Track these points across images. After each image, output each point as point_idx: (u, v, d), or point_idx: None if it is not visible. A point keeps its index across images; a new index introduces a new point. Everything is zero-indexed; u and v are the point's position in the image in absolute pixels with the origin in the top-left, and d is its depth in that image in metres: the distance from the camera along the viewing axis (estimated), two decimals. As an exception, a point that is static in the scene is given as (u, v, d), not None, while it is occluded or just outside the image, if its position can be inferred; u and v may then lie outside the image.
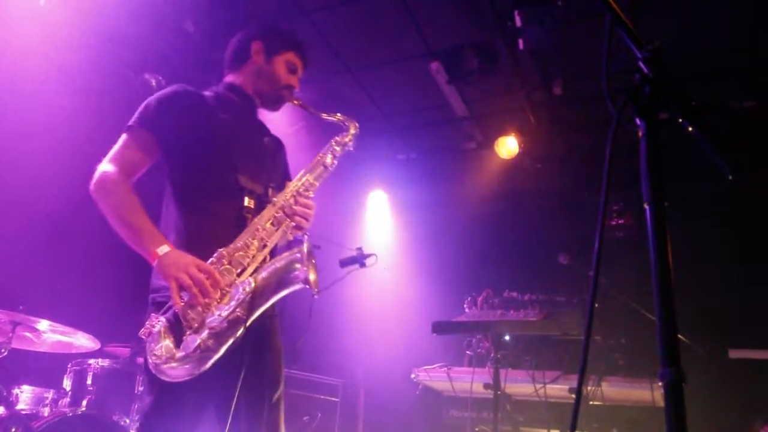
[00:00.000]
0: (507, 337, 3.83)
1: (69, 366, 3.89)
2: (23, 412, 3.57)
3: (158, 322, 1.90)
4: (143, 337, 1.90)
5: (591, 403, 3.75)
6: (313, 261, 1.99)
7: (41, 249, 4.26)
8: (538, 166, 5.79)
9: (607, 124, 1.23)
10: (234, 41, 2.45)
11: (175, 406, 1.92)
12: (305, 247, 1.96)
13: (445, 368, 4.17)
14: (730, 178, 1.18)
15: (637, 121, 1.20)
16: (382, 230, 6.74)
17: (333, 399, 5.12)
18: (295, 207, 2.14)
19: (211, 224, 2.07)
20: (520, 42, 4.30)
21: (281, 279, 1.96)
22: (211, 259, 1.95)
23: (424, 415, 4.72)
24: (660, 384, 1.05)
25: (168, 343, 1.86)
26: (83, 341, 3.86)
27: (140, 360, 4.00)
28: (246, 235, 2.03)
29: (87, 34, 4.15)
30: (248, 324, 1.90)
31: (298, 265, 1.94)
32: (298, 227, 2.15)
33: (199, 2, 4.38)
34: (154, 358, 1.85)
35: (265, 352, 2.12)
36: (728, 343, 4.51)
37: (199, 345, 1.83)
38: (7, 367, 3.48)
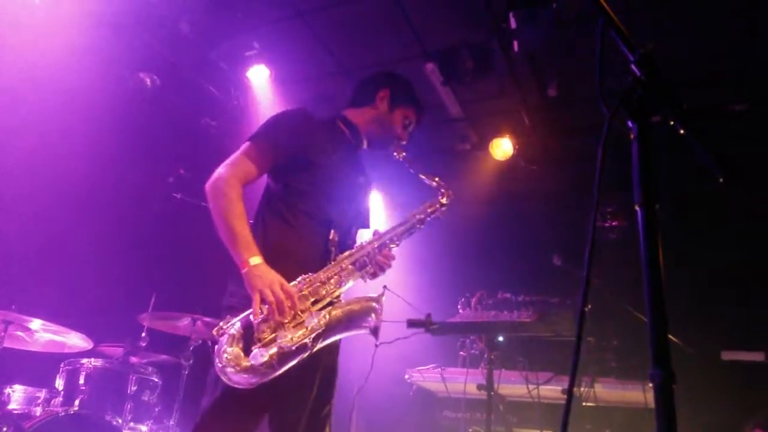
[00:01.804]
0: (500, 338, 3.82)
1: (61, 365, 3.87)
2: (15, 412, 3.56)
3: (233, 327, 1.97)
4: (216, 334, 1.98)
5: (584, 404, 3.76)
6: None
7: (34, 248, 4.25)
8: (532, 167, 5.81)
9: (601, 126, 1.24)
10: (363, 80, 2.60)
11: (235, 409, 2.01)
12: (383, 300, 2.09)
13: (439, 369, 4.17)
14: (721, 180, 1.19)
15: (629, 123, 1.21)
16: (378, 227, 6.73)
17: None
18: (379, 257, 2.27)
19: (296, 247, 2.19)
20: (515, 44, 4.31)
21: (353, 321, 2.07)
22: (294, 282, 2.05)
23: (417, 415, 4.71)
24: (650, 385, 1.06)
25: (237, 349, 1.93)
26: (76, 341, 3.85)
27: (133, 360, 3.99)
28: (330, 269, 2.14)
29: (82, 33, 4.14)
30: (313, 352, 1.98)
31: (373, 315, 2.07)
32: (374, 274, 2.29)
33: (194, 2, 4.37)
34: (222, 359, 1.92)
35: (327, 372, 2.23)
36: (721, 345, 4.52)
37: (266, 361, 1.91)
38: (0, 366, 3.47)
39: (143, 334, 4.00)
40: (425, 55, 4.86)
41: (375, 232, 2.34)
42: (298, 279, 2.06)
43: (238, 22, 4.53)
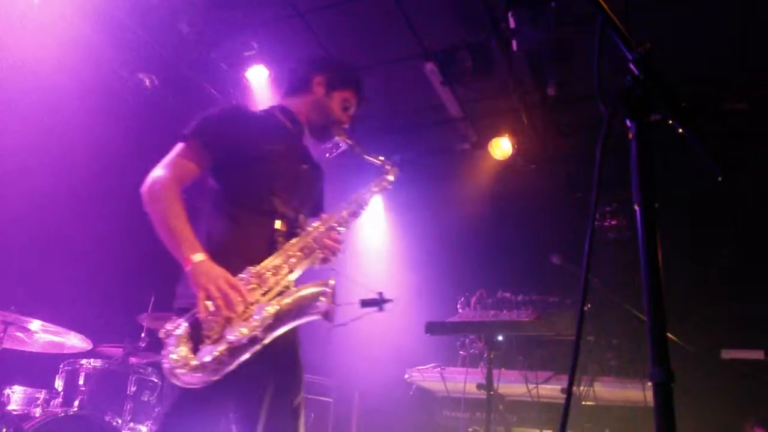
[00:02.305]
0: (500, 338, 3.82)
1: (61, 366, 3.87)
2: (14, 413, 3.56)
3: (179, 327, 1.95)
4: (162, 337, 1.95)
5: (583, 403, 3.76)
6: (335, 297, 2.06)
7: (34, 249, 4.25)
8: (531, 166, 5.81)
9: (600, 125, 1.24)
10: (296, 69, 2.54)
11: (195, 409, 1.98)
12: (332, 283, 2.03)
13: (439, 368, 4.17)
14: (720, 178, 1.19)
15: (628, 122, 1.21)
16: (376, 231, 6.74)
17: (326, 399, 5.12)
18: (326, 240, 2.22)
19: (242, 241, 2.16)
20: (514, 43, 4.31)
21: (303, 307, 2.03)
22: (240, 275, 2.01)
23: (417, 415, 4.71)
24: (649, 384, 1.06)
25: (184, 349, 1.91)
26: (75, 341, 3.85)
27: (133, 360, 3.99)
28: (277, 258, 2.10)
29: (80, 33, 4.13)
30: (264, 344, 1.95)
31: (323, 299, 2.02)
32: (325, 259, 2.24)
33: (194, 2, 4.37)
34: (169, 361, 1.90)
35: (286, 362, 2.18)
36: (721, 344, 4.52)
37: (215, 357, 1.88)
38: (-1, 367, 3.47)
39: (143, 335, 4.00)
40: (425, 54, 4.86)
41: (320, 216, 2.30)
42: (244, 271, 2.02)
43: (237, 22, 4.53)
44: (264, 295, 2.03)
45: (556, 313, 3.65)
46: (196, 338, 1.92)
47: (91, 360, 3.85)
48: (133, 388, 3.84)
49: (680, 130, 1.20)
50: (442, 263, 5.91)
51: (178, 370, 1.88)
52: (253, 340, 1.92)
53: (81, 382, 3.77)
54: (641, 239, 1.13)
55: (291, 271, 2.12)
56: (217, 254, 2.05)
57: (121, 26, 4.32)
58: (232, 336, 1.89)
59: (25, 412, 3.64)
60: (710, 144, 1.20)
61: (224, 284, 1.92)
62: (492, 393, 3.43)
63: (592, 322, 3.88)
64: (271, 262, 2.08)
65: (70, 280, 4.37)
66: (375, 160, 2.50)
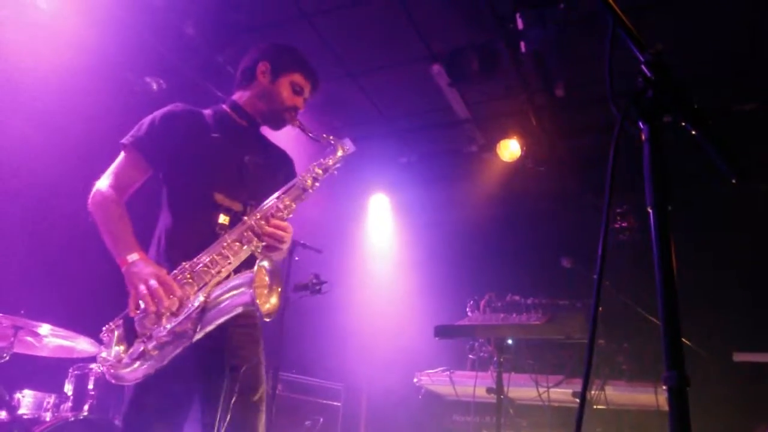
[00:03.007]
0: (510, 341, 3.80)
1: (70, 370, 3.88)
2: (25, 417, 3.57)
3: (117, 327, 2.01)
4: (101, 337, 2.03)
5: (595, 407, 3.73)
6: (274, 284, 2.01)
7: (43, 253, 4.26)
8: (540, 168, 5.78)
9: (610, 126, 1.22)
10: (243, 60, 2.52)
11: (150, 407, 2.01)
12: (257, 269, 1.96)
13: (448, 372, 4.16)
14: (734, 181, 1.18)
15: (640, 124, 1.20)
16: (384, 233, 6.73)
17: (335, 403, 5.10)
18: (267, 228, 2.15)
19: (184, 237, 2.16)
20: (522, 44, 4.30)
21: (232, 297, 1.99)
22: (173, 272, 2.02)
23: (426, 419, 4.69)
24: (664, 388, 1.04)
25: (118, 348, 1.97)
26: (85, 346, 3.85)
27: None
28: (211, 250, 2.09)
29: (87, 37, 4.15)
30: (195, 338, 1.95)
31: (245, 288, 1.96)
32: (270, 248, 2.17)
33: (200, 5, 4.38)
34: (101, 359, 1.97)
35: (240, 358, 2.14)
36: (733, 347, 4.49)
37: (141, 353, 1.92)
38: (9, 371, 3.47)
39: (152, 339, 4.00)
40: (431, 56, 4.85)
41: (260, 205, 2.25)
42: (178, 267, 2.03)
43: (243, 25, 4.54)
44: (201, 289, 2.01)
45: (566, 316, 3.63)
46: (131, 336, 1.97)
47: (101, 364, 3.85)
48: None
49: (693, 132, 1.19)
50: (451, 266, 5.90)
51: (110, 369, 1.94)
52: (182, 335, 1.92)
53: (90, 386, 3.78)
54: (655, 242, 1.12)
55: (229, 263, 2.09)
56: (162, 254, 2.11)
57: (127, 29, 4.33)
58: (159, 331, 1.92)
59: (36, 416, 3.65)
60: (723, 146, 1.18)
61: (153, 281, 1.93)
62: (502, 397, 3.42)
63: (603, 325, 3.86)
64: (205, 255, 2.07)
65: (79, 285, 4.38)
66: (322, 141, 2.40)
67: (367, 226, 6.76)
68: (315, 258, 4.40)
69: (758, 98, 4.64)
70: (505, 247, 5.94)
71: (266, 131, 2.57)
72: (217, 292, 2.00)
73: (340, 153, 2.39)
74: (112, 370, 1.94)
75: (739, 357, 4.43)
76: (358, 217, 6.69)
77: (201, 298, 1.96)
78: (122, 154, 2.27)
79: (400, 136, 6.13)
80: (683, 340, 1.08)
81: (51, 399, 3.75)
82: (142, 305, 1.94)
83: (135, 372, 1.93)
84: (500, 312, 3.89)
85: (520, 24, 4.12)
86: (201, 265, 2.05)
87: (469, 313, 3.98)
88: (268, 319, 1.98)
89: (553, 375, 3.83)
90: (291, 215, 2.26)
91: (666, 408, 1.04)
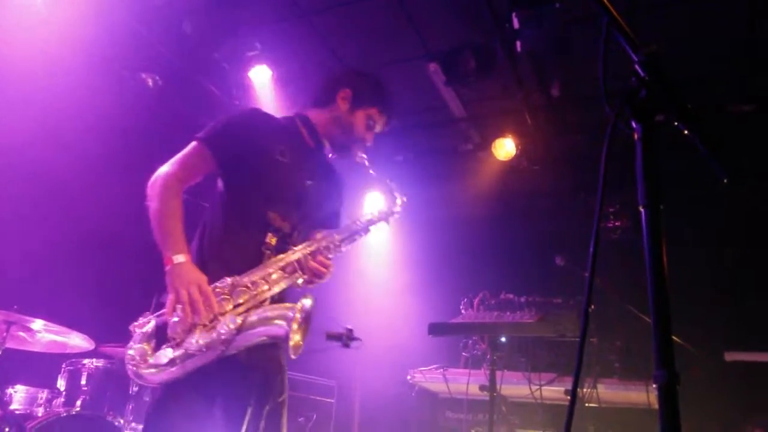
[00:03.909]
0: (503, 339, 3.82)
1: (63, 366, 3.88)
2: (17, 412, 3.56)
3: (148, 324, 1.97)
4: (130, 331, 1.97)
5: (587, 405, 3.75)
6: (306, 323, 2.00)
7: (37, 249, 4.25)
8: (535, 167, 5.79)
9: (604, 126, 1.23)
10: (324, 79, 2.50)
11: (178, 406, 1.97)
12: (300, 306, 1.95)
13: (441, 370, 4.16)
14: (725, 181, 1.18)
15: (633, 123, 1.20)
16: (378, 232, 6.72)
17: (328, 400, 5.11)
18: (312, 263, 2.15)
19: (228, 249, 2.13)
20: (518, 44, 4.30)
21: (267, 327, 1.98)
22: (215, 284, 1.99)
23: (419, 416, 4.70)
24: (654, 386, 1.05)
25: (146, 346, 1.93)
26: (78, 341, 3.85)
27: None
28: (256, 273, 2.06)
29: (84, 33, 4.14)
30: (225, 354, 1.93)
31: (283, 322, 1.95)
32: (309, 281, 2.18)
33: (197, 3, 4.37)
34: (127, 356, 1.92)
35: (272, 364, 2.17)
36: (724, 346, 4.51)
37: (170, 361, 1.89)
38: (1, 366, 3.47)
39: (145, 335, 3.99)
40: (428, 55, 4.85)
41: (311, 236, 2.24)
42: (220, 281, 2.00)
43: (240, 22, 4.53)
44: (234, 307, 1.99)
45: (559, 314, 3.64)
46: (161, 338, 1.94)
47: (94, 360, 3.85)
48: (135, 388, 3.84)
49: (686, 132, 1.19)
50: (445, 264, 5.90)
51: (133, 366, 1.91)
52: (210, 351, 1.91)
53: (83, 381, 3.78)
54: (647, 241, 1.13)
55: (269, 288, 2.07)
56: (204, 259, 2.07)
57: (124, 26, 4.32)
58: (189, 344, 1.90)
59: (28, 411, 3.64)
60: (716, 146, 1.19)
61: (195, 290, 1.91)
62: (495, 394, 3.43)
63: (595, 323, 3.87)
64: (249, 276, 2.05)
65: (72, 280, 4.38)
66: (388, 187, 2.45)
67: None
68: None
69: (755, 100, 4.66)
70: (500, 245, 5.95)
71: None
72: (255, 317, 1.97)
73: (398, 209, 2.44)
74: (135, 368, 1.90)
75: (730, 356, 4.45)
76: (352, 216, 6.67)
77: (239, 321, 1.94)
78: (192, 146, 2.21)
79: (396, 134, 6.12)
80: (675, 338, 1.09)
81: (44, 394, 3.75)
82: (179, 310, 1.92)
83: (157, 375, 1.90)
84: (494, 310, 3.90)
85: (516, 23, 4.13)
86: (242, 285, 2.03)
87: (463, 311, 3.99)
88: (293, 357, 1.96)
89: (545, 373, 3.84)
90: (335, 255, 2.26)
91: (657, 406, 1.05)
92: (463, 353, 4.19)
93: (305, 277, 2.15)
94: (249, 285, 2.04)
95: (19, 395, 3.69)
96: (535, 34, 4.11)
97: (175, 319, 1.92)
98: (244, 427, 2.02)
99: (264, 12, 4.53)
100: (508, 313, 3.78)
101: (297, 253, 2.15)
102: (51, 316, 3.61)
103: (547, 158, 5.76)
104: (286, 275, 2.12)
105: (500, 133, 5.57)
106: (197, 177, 2.22)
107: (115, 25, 4.28)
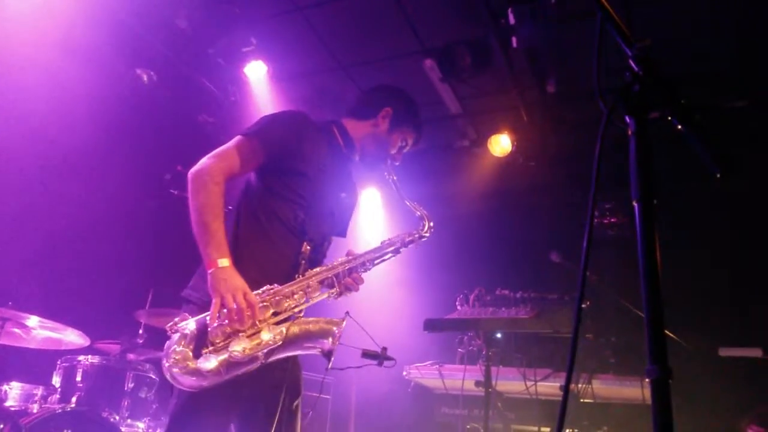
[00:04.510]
0: (498, 335, 3.83)
1: (58, 362, 3.86)
2: (12, 409, 3.55)
3: (187, 326, 1.94)
4: (168, 330, 1.94)
5: (581, 400, 3.75)
6: (339, 339, 2.05)
7: (31, 245, 4.24)
8: (530, 164, 5.79)
9: (600, 121, 1.23)
10: (369, 92, 2.56)
11: (201, 410, 1.99)
12: (344, 324, 2.03)
13: (437, 366, 4.17)
14: (718, 176, 1.19)
15: (627, 118, 1.20)
16: (375, 227, 6.73)
17: (325, 396, 5.11)
18: (348, 279, 2.21)
19: (265, 254, 2.15)
20: (514, 40, 4.30)
21: (309, 340, 2.01)
22: (257, 292, 1.99)
23: (415, 412, 4.71)
24: (647, 380, 1.05)
25: (187, 350, 1.90)
26: (73, 338, 3.84)
27: (130, 357, 3.99)
28: (296, 284, 2.09)
29: (78, 29, 4.12)
30: (264, 363, 1.95)
31: (330, 339, 2.00)
32: (340, 295, 2.22)
33: (192, -2, 4.36)
34: (170, 358, 1.88)
35: (294, 371, 2.23)
36: (718, 341, 4.52)
37: (214, 366, 1.88)
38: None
39: (140, 331, 3.99)
40: (423, 51, 4.85)
41: (348, 253, 2.27)
42: (262, 289, 2.01)
43: (235, 18, 4.51)
44: (274, 316, 2.01)
45: (554, 310, 3.65)
46: (200, 341, 1.92)
47: (89, 356, 3.84)
48: (131, 385, 3.83)
49: (679, 127, 1.19)
50: (441, 260, 5.90)
51: (175, 369, 1.87)
52: (253, 360, 1.91)
53: (78, 378, 3.77)
54: (640, 235, 1.13)
55: (306, 300, 2.11)
56: (238, 257, 2.04)
57: (118, 21, 4.30)
58: (235, 351, 1.89)
59: (23, 408, 3.63)
60: (708, 141, 1.19)
61: (241, 297, 1.91)
62: (490, 390, 3.44)
63: (590, 319, 3.88)
64: (290, 286, 2.07)
65: (67, 276, 4.37)
66: (416, 210, 2.52)
67: (357, 220, 6.75)
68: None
69: (749, 96, 4.66)
70: (495, 241, 5.95)
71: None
72: (297, 329, 2.00)
73: (427, 233, 2.50)
74: (173, 369, 1.87)
75: (724, 352, 4.47)
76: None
77: (284, 332, 1.96)
78: (240, 139, 2.19)
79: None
80: (669, 334, 1.09)
81: (39, 391, 3.74)
82: (222, 316, 1.91)
83: (193, 381, 1.88)
84: (489, 306, 3.91)
85: (512, 19, 4.12)
86: (282, 294, 2.04)
87: (459, 307, 3.99)
88: (328, 370, 2.02)
89: (540, 368, 3.85)
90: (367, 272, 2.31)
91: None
92: (459, 349, 4.20)
93: (339, 291, 2.20)
94: (289, 295, 2.06)
95: (14, 392, 3.67)
96: (530, 29, 4.11)
97: (216, 324, 1.91)
98: (275, 425, 2.05)
99: (259, 7, 4.52)
100: (504, 309, 3.78)
101: (337, 268, 2.19)
102: (46, 313, 3.60)
103: (542, 154, 5.76)
104: (324, 288, 2.17)
105: (496, 130, 5.57)
106: (240, 173, 2.20)
107: (109, 20, 4.26)
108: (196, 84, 4.89)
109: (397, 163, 2.49)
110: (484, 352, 3.63)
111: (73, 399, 3.70)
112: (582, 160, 5.52)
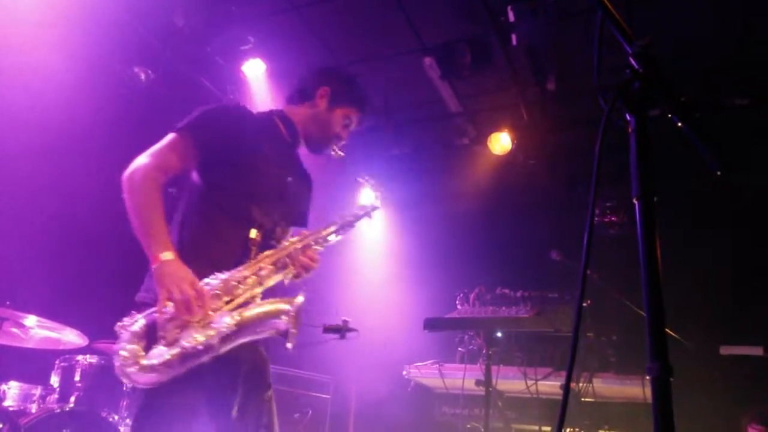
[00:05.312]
0: (499, 334, 3.82)
1: (57, 362, 3.85)
2: (11, 409, 3.54)
3: (135, 323, 1.92)
4: (117, 331, 1.92)
5: (582, 399, 3.75)
6: (300, 318, 1.99)
7: (29, 244, 4.23)
8: (531, 162, 5.78)
9: (600, 119, 1.22)
10: (303, 76, 2.51)
11: (164, 406, 1.95)
12: (297, 302, 1.97)
13: (437, 365, 4.17)
14: (719, 173, 1.18)
15: (627, 116, 1.19)
16: (374, 226, 6.72)
17: (324, 396, 5.10)
18: (302, 257, 2.17)
19: (212, 245, 2.12)
20: (514, 37, 4.28)
21: (264, 323, 1.97)
22: (206, 281, 1.97)
23: (415, 412, 4.71)
24: (648, 378, 1.05)
25: (136, 347, 1.88)
26: (71, 337, 3.83)
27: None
28: (247, 268, 2.06)
29: (75, 27, 4.10)
30: (220, 353, 1.91)
31: (284, 318, 1.95)
32: (297, 276, 2.18)
33: (189, -5, 4.35)
34: (119, 358, 1.87)
35: (255, 365, 2.17)
36: (719, 340, 4.52)
37: (166, 360, 1.85)
38: (-5, 363, 3.46)
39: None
40: (423, 49, 4.83)
41: (299, 233, 2.26)
42: (211, 277, 1.98)
43: (233, 16, 4.50)
44: (227, 303, 1.98)
45: (555, 309, 3.64)
46: (151, 337, 1.89)
47: (87, 356, 3.83)
48: (130, 385, 3.82)
49: (679, 124, 1.19)
50: (441, 259, 5.90)
51: (127, 368, 1.85)
52: (208, 349, 1.88)
53: (77, 378, 3.75)
54: (640, 233, 1.12)
55: (260, 284, 2.06)
56: (187, 255, 2.02)
57: (116, 19, 4.29)
58: (186, 342, 1.86)
59: (21, 408, 3.62)
60: (709, 138, 1.18)
61: (188, 288, 1.88)
62: (491, 389, 3.43)
63: (591, 318, 3.87)
64: (240, 271, 2.04)
65: (65, 276, 4.35)
66: (366, 183, 2.51)
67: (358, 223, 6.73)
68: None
69: (749, 93, 4.65)
70: (495, 239, 5.95)
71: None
72: (251, 313, 1.96)
73: (378, 203, 2.45)
74: (126, 369, 1.85)
75: (725, 350, 4.46)
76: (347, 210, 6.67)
77: (236, 317, 1.93)
78: (172, 136, 2.17)
79: (392, 128, 6.10)
80: (670, 332, 1.09)
81: (37, 391, 3.73)
82: (170, 308, 1.88)
83: (149, 377, 1.86)
84: (490, 305, 3.90)
85: (511, 17, 4.11)
86: (234, 280, 2.01)
87: (459, 306, 3.98)
88: (291, 349, 1.95)
89: (541, 367, 3.85)
90: (323, 250, 2.28)
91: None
92: (459, 348, 4.19)
93: (294, 271, 2.16)
94: (241, 281, 2.02)
95: (12, 392, 3.67)
96: (530, 27, 4.09)
97: (166, 317, 1.88)
98: (234, 416, 2.02)
99: (257, 5, 4.50)
100: (504, 308, 3.78)
101: (288, 248, 2.15)
102: (44, 312, 3.59)
103: (542, 152, 5.75)
104: (277, 270, 2.12)
105: (496, 128, 5.55)
106: (176, 170, 2.17)
107: (106, 18, 4.25)
108: (194, 82, 4.88)
109: (343, 142, 2.46)
110: (484, 351, 3.61)
111: (72, 399, 3.69)
112: (582, 159, 5.52)
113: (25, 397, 3.70)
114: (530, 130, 5.55)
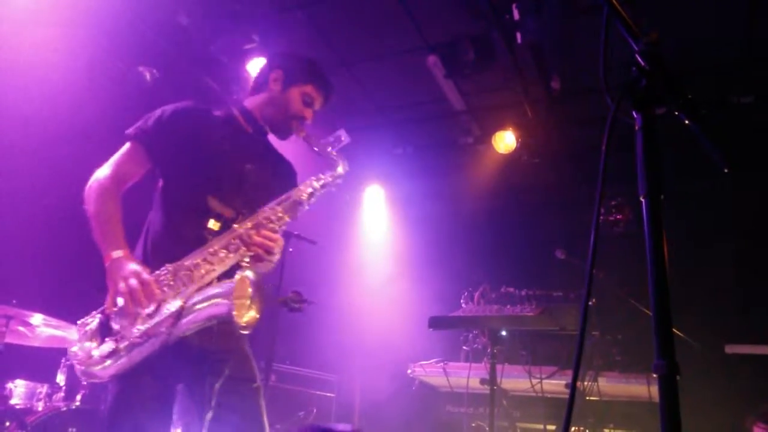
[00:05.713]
0: (504, 333, 3.81)
1: (63, 360, 3.87)
2: (17, 407, 3.56)
3: (92, 321, 1.98)
4: (77, 330, 1.99)
5: (587, 398, 3.74)
6: (257, 296, 1.93)
7: (35, 243, 4.24)
8: (535, 160, 5.77)
9: (605, 118, 1.22)
10: (260, 68, 2.52)
11: (134, 394, 1.97)
12: (238, 280, 1.92)
13: (442, 363, 4.16)
14: (726, 171, 1.17)
15: (634, 114, 1.19)
16: (379, 225, 6.73)
17: (329, 394, 5.11)
18: (256, 238, 2.10)
19: (170, 239, 2.13)
20: (518, 35, 4.27)
21: (208, 307, 1.95)
22: (156, 272, 1.99)
23: (420, 410, 4.71)
24: (655, 376, 1.05)
25: (89, 344, 1.93)
26: (77, 335, 3.84)
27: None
28: (196, 255, 2.04)
29: (80, 26, 4.11)
30: (171, 339, 1.92)
31: (221, 299, 1.92)
32: (258, 258, 2.11)
33: (194, -6, 4.35)
34: (71, 354, 1.94)
35: (225, 351, 2.12)
36: (725, 339, 4.51)
37: (112, 351, 1.90)
38: (1, 361, 3.47)
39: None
40: (427, 47, 4.83)
41: (254, 213, 2.21)
42: (162, 269, 1.99)
43: (237, 15, 4.50)
44: (180, 293, 1.98)
45: (560, 307, 3.63)
46: (106, 333, 1.94)
47: (94, 354, 3.84)
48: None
49: (686, 122, 1.18)
50: (445, 258, 5.90)
51: (80, 365, 1.91)
52: (153, 337, 1.90)
53: (83, 376, 3.77)
54: (647, 231, 1.12)
55: (214, 269, 2.04)
56: (151, 253, 2.09)
57: (120, 19, 4.29)
58: (134, 331, 1.90)
59: (28, 406, 3.64)
60: (716, 136, 1.18)
61: (134, 280, 1.90)
62: (495, 388, 3.42)
63: (597, 317, 3.87)
64: (189, 259, 2.03)
65: (71, 274, 4.36)
66: (326, 155, 2.37)
67: (362, 217, 6.75)
68: (309, 249, 4.39)
69: (755, 91, 4.63)
70: (500, 238, 5.94)
71: (276, 141, 2.54)
72: (196, 299, 1.96)
73: (340, 170, 2.37)
74: (81, 366, 1.92)
75: (731, 349, 4.45)
76: (352, 209, 6.68)
77: (179, 303, 1.93)
78: (126, 145, 2.24)
79: (396, 127, 6.11)
80: (677, 331, 1.08)
81: (43, 389, 3.75)
82: (120, 303, 1.92)
83: (105, 370, 1.91)
84: (494, 303, 3.89)
85: (516, 14, 4.10)
86: (184, 268, 2.01)
87: (464, 305, 3.98)
88: (246, 332, 1.93)
89: (546, 366, 3.84)
90: (283, 227, 2.23)
91: (658, 399, 1.04)
92: (464, 347, 4.19)
93: (251, 253, 2.09)
94: (191, 268, 2.01)
95: (19, 390, 3.69)
96: (535, 25, 4.08)
97: (117, 311, 1.93)
98: (210, 414, 1.99)
99: (261, 4, 4.50)
100: (509, 307, 3.77)
101: (236, 230, 2.11)
102: (50, 311, 3.60)
103: (547, 151, 5.73)
104: (230, 253, 2.08)
105: (500, 126, 5.54)
106: (134, 175, 2.23)
107: (111, 17, 4.25)
108: (199, 81, 4.89)
109: (307, 120, 2.42)
110: (489, 350, 3.61)
111: (78, 397, 3.71)
112: (587, 157, 5.50)
113: (32, 396, 3.72)
114: (535, 128, 5.54)
